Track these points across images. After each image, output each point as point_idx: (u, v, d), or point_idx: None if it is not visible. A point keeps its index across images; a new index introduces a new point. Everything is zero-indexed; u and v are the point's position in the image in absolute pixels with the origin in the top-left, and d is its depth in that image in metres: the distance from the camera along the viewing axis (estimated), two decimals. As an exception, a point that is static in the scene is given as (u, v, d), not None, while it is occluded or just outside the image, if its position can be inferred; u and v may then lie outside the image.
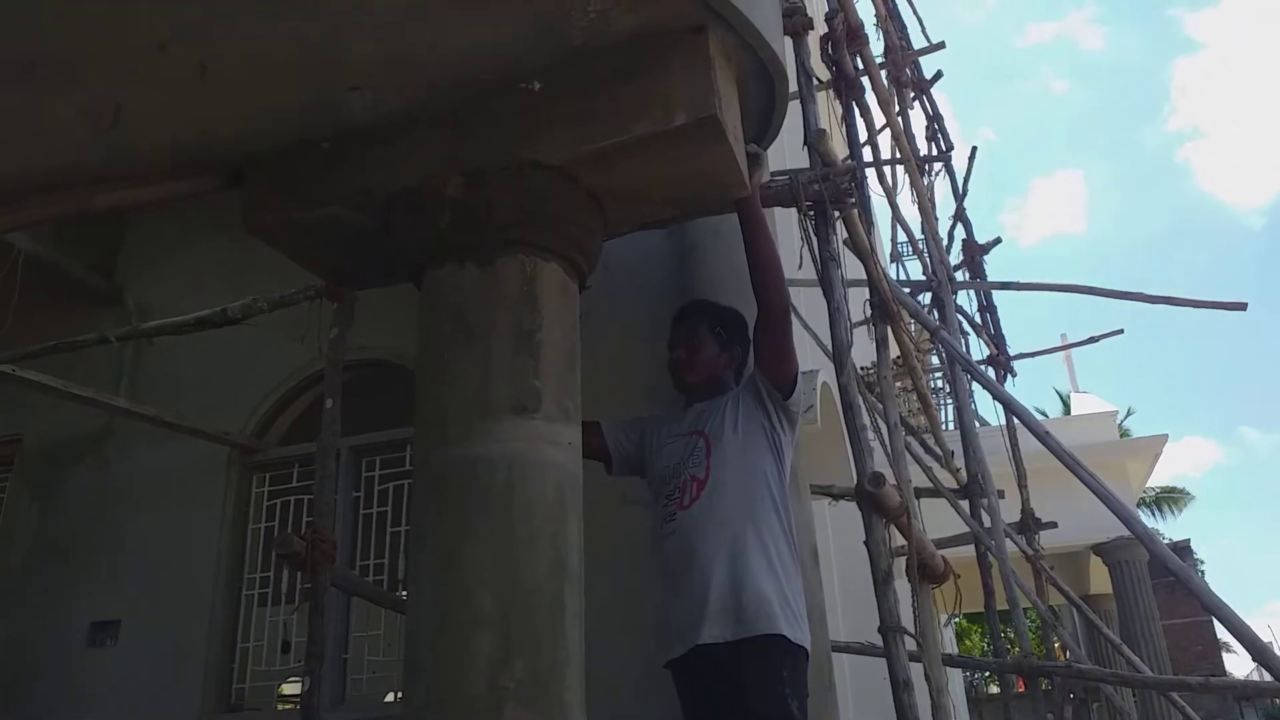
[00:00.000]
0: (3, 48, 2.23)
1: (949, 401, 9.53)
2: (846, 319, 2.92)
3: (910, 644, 2.57)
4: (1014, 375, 6.63)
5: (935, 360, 8.73)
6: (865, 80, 4.19)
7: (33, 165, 2.64)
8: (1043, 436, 3.38)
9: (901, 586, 2.63)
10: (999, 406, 4.58)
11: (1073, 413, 15.01)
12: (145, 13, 2.20)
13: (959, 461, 5.29)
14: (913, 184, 5.74)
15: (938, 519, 4.85)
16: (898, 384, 7.24)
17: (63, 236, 5.04)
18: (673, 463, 2.75)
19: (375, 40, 2.38)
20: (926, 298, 5.73)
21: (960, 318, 6.00)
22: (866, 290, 3.44)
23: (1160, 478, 25.96)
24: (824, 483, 4.69)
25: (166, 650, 4.48)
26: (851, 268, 3.50)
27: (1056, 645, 5.68)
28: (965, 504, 4.88)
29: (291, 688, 5.72)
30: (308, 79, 2.49)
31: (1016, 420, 4.88)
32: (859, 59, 4.07)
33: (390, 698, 4.70)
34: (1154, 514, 24.02)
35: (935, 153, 7.24)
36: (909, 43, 6.74)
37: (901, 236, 7.27)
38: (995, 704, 18.79)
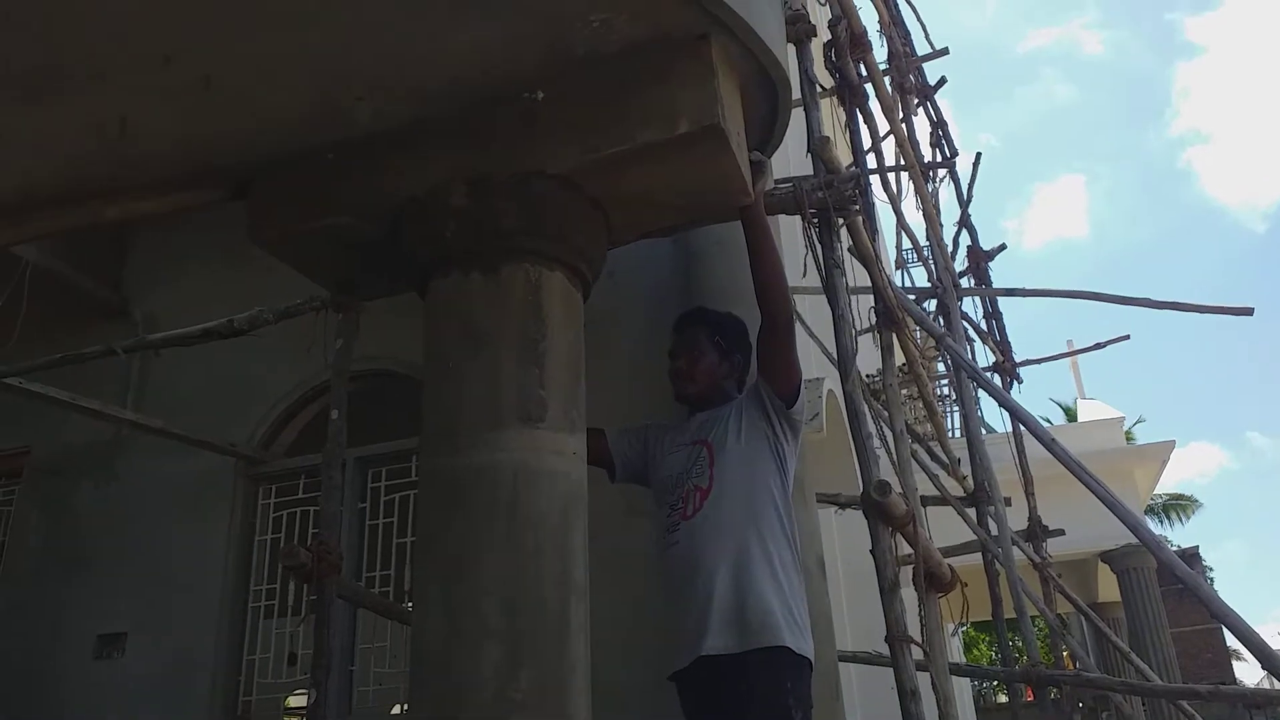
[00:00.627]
0: (10, 63, 2.24)
1: (955, 409, 9.52)
2: (851, 326, 2.91)
3: (917, 653, 2.56)
4: (1020, 382, 6.62)
5: (941, 367, 8.71)
6: (869, 87, 4.20)
7: (41, 178, 2.66)
8: (1049, 444, 3.36)
9: (908, 595, 2.61)
10: (1005, 413, 4.56)
11: (1079, 419, 14.97)
12: (149, 26, 2.21)
13: (965, 469, 5.27)
14: (917, 190, 5.73)
15: (944, 527, 4.84)
16: (904, 391, 7.22)
17: (69, 249, 5.06)
18: (676, 472, 2.75)
19: (379, 51, 2.39)
20: (932, 304, 5.72)
21: (966, 324, 5.97)
22: (871, 297, 3.44)
23: (1168, 484, 25.92)
24: (830, 491, 4.67)
25: (173, 662, 4.48)
26: (856, 275, 3.51)
27: (1065, 654, 5.64)
28: (972, 512, 4.86)
29: (298, 700, 5.73)
30: (312, 90, 2.50)
31: (1023, 427, 4.87)
32: (862, 65, 4.07)
33: (397, 709, 4.70)
34: (1162, 521, 23.93)
35: (939, 159, 7.24)
36: (912, 49, 6.74)
37: (906, 243, 7.27)
38: (1003, 713, 18.70)
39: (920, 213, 5.89)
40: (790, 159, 4.16)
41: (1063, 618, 7.15)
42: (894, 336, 3.45)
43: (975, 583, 3.86)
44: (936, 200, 6.77)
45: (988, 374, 6.31)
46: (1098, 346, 6.45)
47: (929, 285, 5.97)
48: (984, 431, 5.87)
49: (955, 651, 11.51)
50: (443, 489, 2.41)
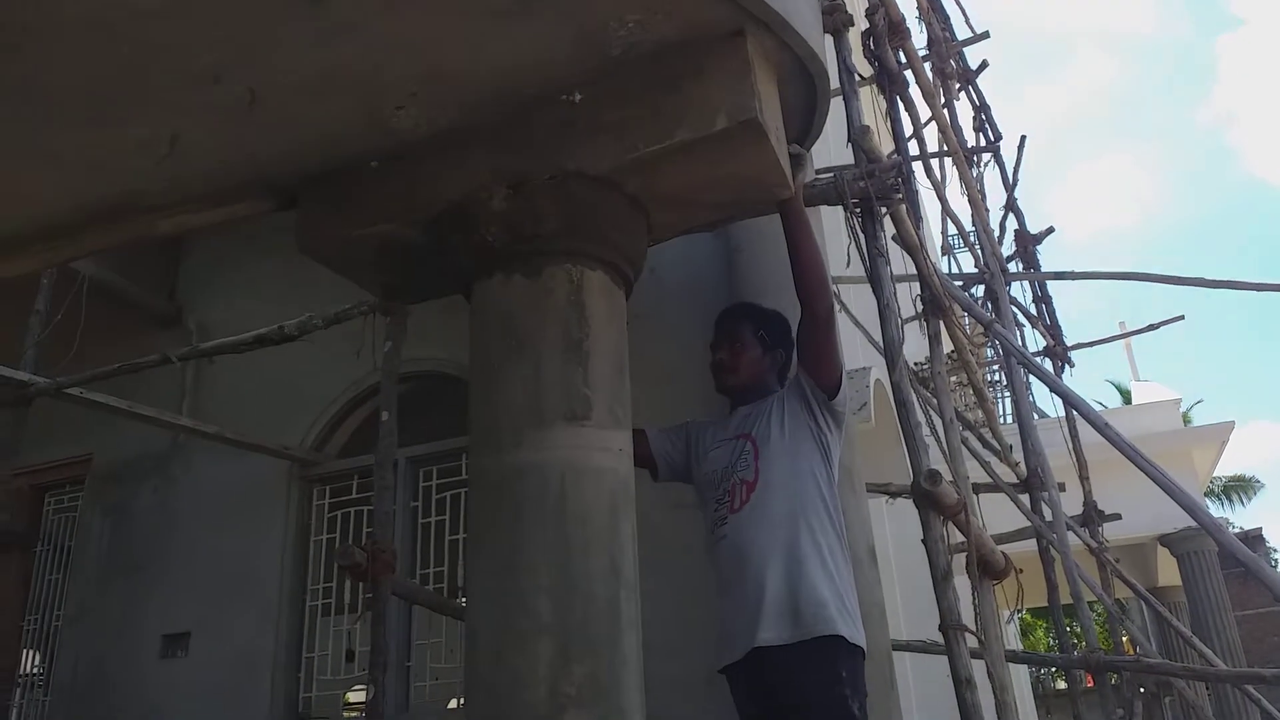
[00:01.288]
0: (65, 86, 2.31)
1: (1006, 394, 9.39)
2: (897, 315, 2.89)
3: (972, 641, 2.54)
4: (1072, 366, 6.51)
5: (990, 353, 8.60)
6: (909, 74, 4.15)
7: (95, 196, 2.74)
8: (1102, 428, 3.31)
9: (962, 583, 2.60)
10: (1058, 398, 4.50)
11: (1134, 402, 14.69)
12: (199, 47, 2.27)
13: (1018, 455, 5.21)
14: (961, 176, 5.67)
15: (998, 514, 4.79)
16: (953, 379, 7.15)
17: (124, 262, 5.18)
18: (720, 467, 2.75)
19: (418, 61, 2.43)
20: (980, 290, 5.65)
21: (1015, 309, 5.89)
22: (917, 285, 3.41)
23: (1230, 465, 25.35)
24: (881, 481, 4.64)
25: (235, 660, 4.58)
26: (901, 263, 3.48)
27: (1125, 639, 5.56)
28: (1025, 498, 4.80)
29: (357, 695, 5.82)
30: (354, 101, 2.55)
31: (1076, 412, 4.80)
32: (901, 53, 4.02)
33: (453, 704, 4.75)
34: (1222, 503, 23.43)
35: (983, 143, 7.14)
36: (952, 33, 6.65)
37: (952, 230, 7.18)
38: (1063, 700, 18.44)
39: (965, 198, 5.82)
40: (831, 149, 4.13)
41: (1122, 603, 7.03)
42: (941, 324, 3.42)
43: (1031, 569, 3.82)
44: (981, 185, 6.69)
45: (1038, 359, 6.23)
46: (1151, 328, 6.32)
47: (976, 271, 5.90)
48: (1036, 416, 5.79)
49: (1011, 638, 11.38)
50: (491, 488, 2.44)
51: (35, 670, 5.45)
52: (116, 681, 4.78)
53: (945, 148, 5.57)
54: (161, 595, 4.85)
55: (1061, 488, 4.87)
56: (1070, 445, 5.80)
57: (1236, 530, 19.08)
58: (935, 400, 3.34)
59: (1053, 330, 6.65)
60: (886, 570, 4.21)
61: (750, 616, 2.50)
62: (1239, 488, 23.90)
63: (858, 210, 2.97)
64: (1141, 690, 5.71)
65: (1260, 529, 21.04)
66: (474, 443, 2.55)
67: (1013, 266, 6.45)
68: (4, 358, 4.47)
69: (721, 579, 2.66)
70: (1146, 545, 11.37)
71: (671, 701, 3.16)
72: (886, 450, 5.45)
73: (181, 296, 5.57)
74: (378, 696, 3.03)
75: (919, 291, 3.41)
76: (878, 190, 2.92)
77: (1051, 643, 23.30)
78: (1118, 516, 5.88)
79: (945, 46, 6.15)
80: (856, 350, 5.29)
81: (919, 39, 5.41)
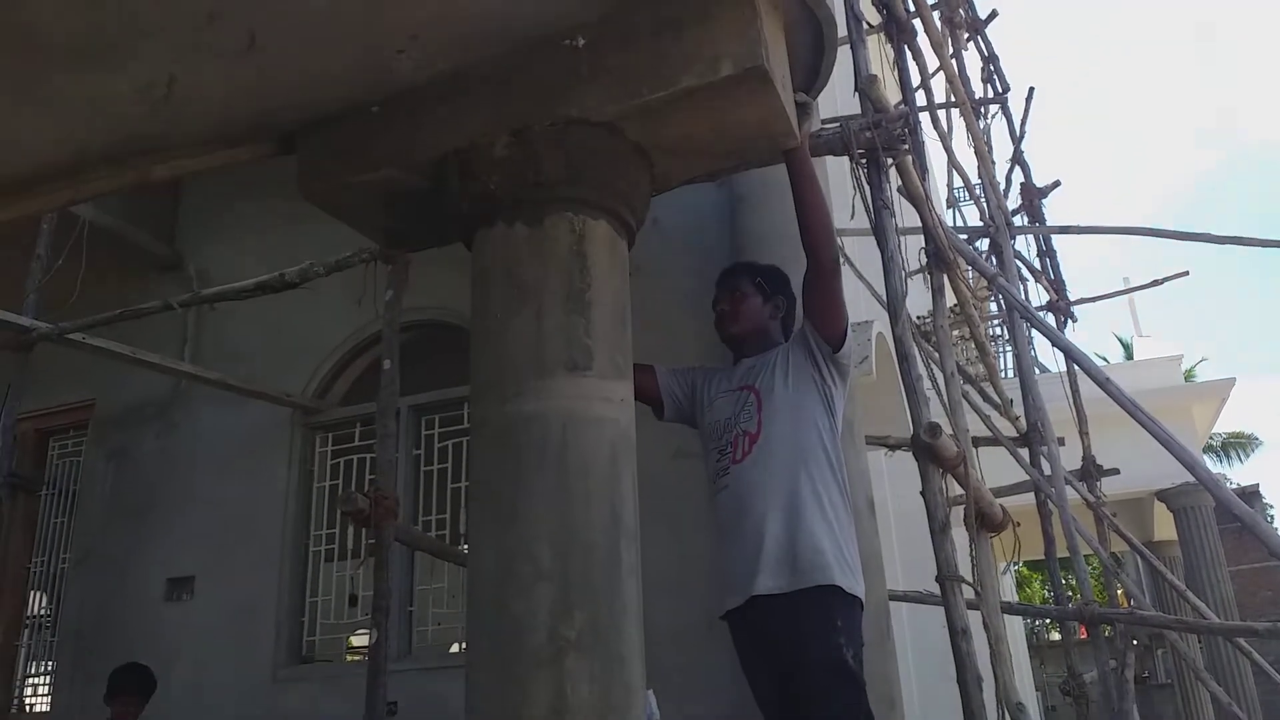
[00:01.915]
0: (59, 27, 2.28)
1: (1008, 349, 9.38)
2: (901, 268, 2.88)
3: (968, 592, 2.57)
4: (1074, 321, 6.48)
5: (994, 307, 8.57)
6: (917, 22, 4.08)
7: (92, 140, 2.70)
8: (1103, 383, 3.31)
9: (960, 535, 2.62)
10: (1059, 353, 4.49)
11: (1136, 358, 14.68)
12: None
13: (1018, 409, 5.21)
14: (968, 128, 5.60)
15: (997, 467, 4.80)
16: (955, 332, 7.14)
17: (124, 206, 5.16)
18: (724, 417, 2.76)
19: (420, 3, 2.38)
20: (984, 244, 5.61)
21: (1019, 263, 5.85)
22: (922, 238, 3.39)
23: (1229, 422, 25.42)
24: (881, 433, 4.66)
25: (240, 604, 4.64)
26: (906, 215, 3.45)
27: (1119, 592, 5.61)
28: (1025, 452, 4.81)
29: (360, 640, 5.90)
30: (355, 43, 2.51)
31: (1077, 366, 4.79)
32: (910, 1, 3.96)
33: (455, 648, 4.83)
34: (1221, 459, 23.54)
35: (991, 95, 7.04)
36: (962, -19, 6.53)
37: (957, 182, 7.13)
38: (1057, 651, 18.68)
39: (972, 150, 5.75)
40: (837, 99, 4.08)
41: (1117, 556, 7.10)
42: (945, 277, 3.40)
43: (1028, 522, 3.84)
44: (988, 137, 6.60)
45: (1041, 313, 6.20)
46: (1155, 284, 6.28)
47: (981, 224, 5.86)
48: (1037, 371, 5.78)
49: (1007, 590, 11.50)
50: (493, 437, 2.45)
51: (42, 612, 5.53)
52: (122, 623, 4.84)
53: (953, 99, 5.49)
54: (166, 539, 4.90)
55: (1061, 442, 4.88)
56: (1071, 400, 5.80)
57: (1234, 486, 19.17)
58: (937, 354, 3.34)
59: (1056, 285, 6.61)
60: (884, 522, 4.24)
61: (750, 565, 2.53)
62: (1238, 444, 24.00)
63: (863, 161, 2.94)
64: (1135, 642, 5.78)
65: (1257, 485, 21.24)
66: (475, 391, 2.55)
67: (1018, 220, 6.41)
68: (6, 303, 4.46)
69: (722, 528, 2.69)
70: (1144, 500, 11.43)
71: (671, 647, 3.20)
72: (887, 403, 5.46)
73: (181, 242, 5.55)
74: (380, 640, 3.08)
75: (924, 244, 3.39)
76: (884, 141, 2.89)
77: (1047, 595, 23.56)
78: (1116, 471, 5.89)
79: (955, -6, 6.04)
80: (860, 303, 5.28)
81: (929, -13, 5.30)
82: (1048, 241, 6.67)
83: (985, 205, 5.67)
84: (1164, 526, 11.89)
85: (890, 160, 2.96)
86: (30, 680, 5.53)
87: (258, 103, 2.72)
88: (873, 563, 3.21)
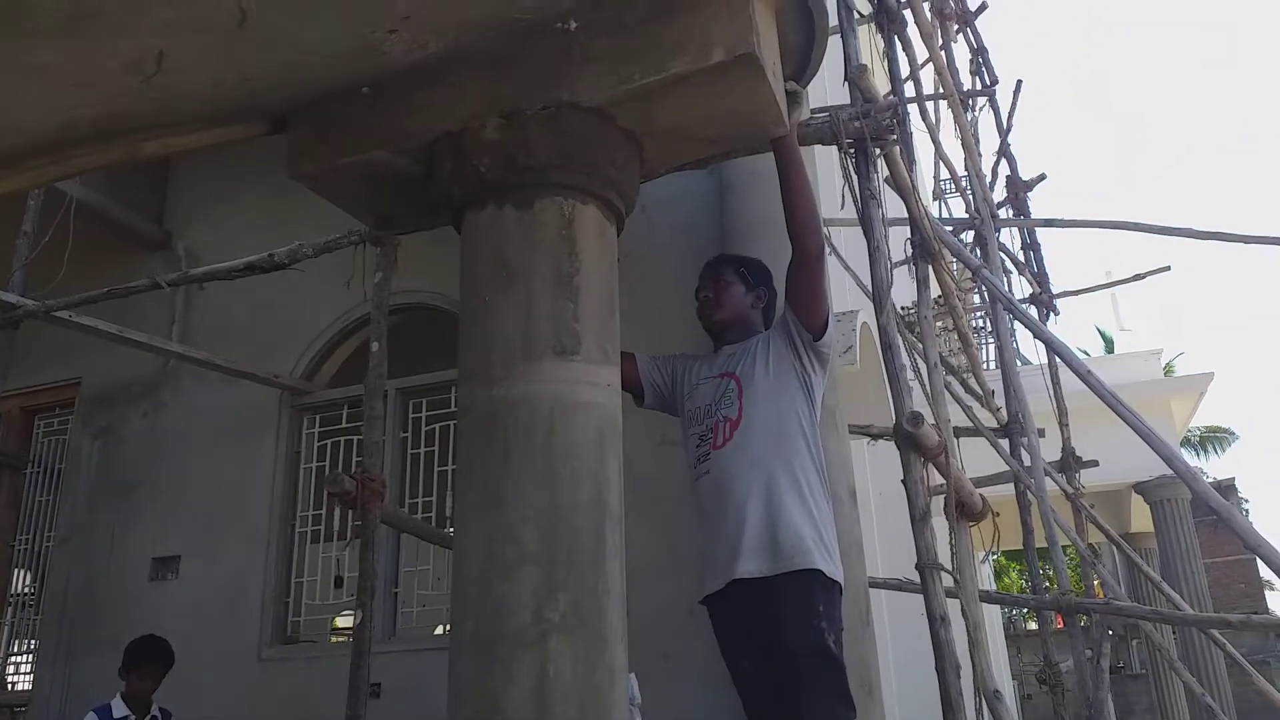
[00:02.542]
0: (47, 1, 2.27)
1: (991, 341, 9.44)
2: (887, 258, 2.90)
3: (947, 580, 2.60)
4: (1057, 314, 6.53)
5: (977, 299, 8.63)
6: (907, 13, 4.10)
7: (80, 116, 2.69)
8: (1084, 375, 3.34)
9: (940, 524, 2.65)
10: (1041, 345, 4.53)
11: (1117, 351, 14.79)
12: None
13: (999, 400, 5.26)
14: (956, 120, 5.62)
15: (978, 458, 4.85)
16: (939, 323, 7.18)
17: (112, 184, 5.14)
18: (705, 404, 2.79)
19: (413, -17, 2.38)
20: (969, 236, 5.65)
21: (1003, 256, 5.88)
22: (908, 229, 3.41)
23: (1206, 416, 25.63)
24: (863, 422, 4.70)
25: (225, 584, 4.65)
26: (893, 206, 3.48)
27: (1096, 582, 5.68)
28: (1005, 443, 4.86)
29: (345, 621, 5.93)
30: (347, 23, 2.50)
31: (1058, 359, 4.84)
32: (901, -9, 3.96)
33: (440, 630, 4.85)
34: (1198, 453, 23.73)
35: (979, 87, 7.06)
36: (953, -27, 6.54)
37: (944, 173, 7.14)
38: (1034, 640, 18.86)
39: (959, 142, 5.78)
40: (827, 88, 4.10)
41: (1094, 547, 7.17)
42: (930, 268, 3.43)
43: (1007, 512, 3.89)
44: (975, 129, 6.63)
45: (1024, 305, 6.25)
46: (1137, 278, 6.32)
47: (966, 216, 5.89)
48: (1019, 363, 5.83)
49: (985, 579, 11.60)
50: (480, 420, 2.47)
51: (26, 590, 5.52)
52: (107, 602, 4.84)
53: (941, 90, 5.51)
54: (152, 519, 4.90)
55: (1041, 434, 4.93)
56: (1051, 392, 5.85)
57: (1210, 480, 19.36)
58: (920, 344, 3.37)
59: (1039, 278, 6.66)
60: (865, 510, 4.28)
61: (730, 549, 2.56)
62: (1215, 438, 24.19)
63: (851, 151, 2.96)
64: (1110, 632, 5.85)
65: (1233, 479, 21.37)
66: (464, 374, 2.57)
67: (1003, 213, 6.44)
68: (-9, 279, 4.44)
69: (703, 513, 2.72)
70: (1122, 492, 11.55)
71: (653, 629, 3.24)
72: (870, 392, 5.50)
73: (170, 221, 5.53)
74: (365, 621, 3.09)
75: (909, 235, 3.41)
76: (873, 131, 2.90)
77: (1024, 584, 23.77)
78: (1095, 464, 5.96)
79: (945, -14, 6.06)
80: (845, 293, 5.31)
81: (919, -22, 5.31)
82: (1032, 235, 6.72)
83: (971, 197, 5.71)
84: (1141, 519, 12.02)
85: (878, 151, 2.98)
86: (13, 658, 5.53)
87: (249, 81, 2.71)
88: (854, 549, 3.24)
